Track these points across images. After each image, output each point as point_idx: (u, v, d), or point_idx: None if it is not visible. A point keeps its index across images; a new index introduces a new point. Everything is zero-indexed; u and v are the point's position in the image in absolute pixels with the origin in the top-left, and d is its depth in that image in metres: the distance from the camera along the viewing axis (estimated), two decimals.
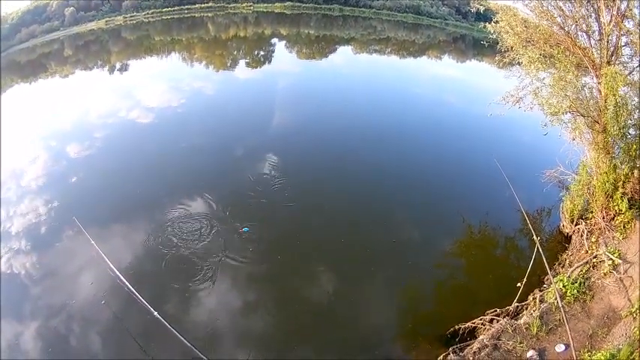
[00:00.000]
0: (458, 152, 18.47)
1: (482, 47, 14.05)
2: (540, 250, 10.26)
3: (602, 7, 12.27)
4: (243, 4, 71.10)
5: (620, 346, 8.19)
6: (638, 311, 9.08)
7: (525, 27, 13.21)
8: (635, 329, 8.54)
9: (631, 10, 12.09)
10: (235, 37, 50.04)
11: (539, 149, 17.98)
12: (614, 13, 12.06)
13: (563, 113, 12.10)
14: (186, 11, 64.05)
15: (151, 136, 19.78)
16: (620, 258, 10.88)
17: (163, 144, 18.43)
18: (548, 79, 12.73)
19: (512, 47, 13.44)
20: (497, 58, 14.32)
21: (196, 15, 64.03)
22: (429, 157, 18.01)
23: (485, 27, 13.88)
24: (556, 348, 8.89)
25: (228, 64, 35.73)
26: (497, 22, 13.69)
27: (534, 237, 10.62)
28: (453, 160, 17.72)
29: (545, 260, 10.12)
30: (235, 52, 41.48)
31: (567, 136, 12.97)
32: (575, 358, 8.42)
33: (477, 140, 19.81)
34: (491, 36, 13.75)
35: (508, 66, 13.90)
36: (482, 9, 14.48)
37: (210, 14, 64.97)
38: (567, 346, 8.81)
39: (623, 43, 12.85)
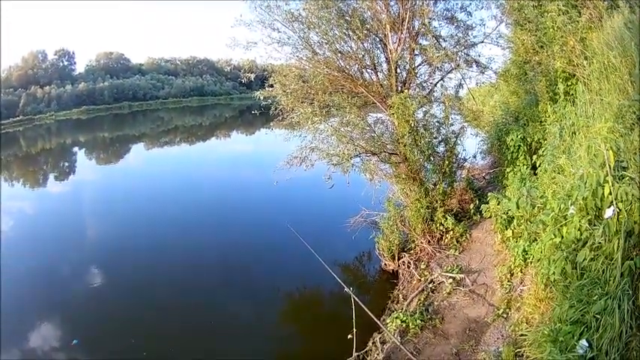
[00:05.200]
0: (261, 229, 17.61)
1: (269, 114, 13.52)
2: (356, 299, 9.49)
3: (388, 33, 11.95)
4: (47, 115, 78.70)
5: (500, 349, 7.41)
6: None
7: (303, 82, 12.54)
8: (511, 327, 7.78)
9: (427, 25, 11.78)
10: (43, 150, 50.38)
11: (337, 202, 18.16)
12: (403, 36, 11.78)
13: (348, 160, 11.57)
14: (2, 128, 66.22)
15: None
16: (461, 272, 10.69)
17: None
18: (328, 131, 12.30)
19: (292, 108, 12.59)
20: (272, 124, 13.63)
21: (10, 130, 66.64)
22: (233, 239, 16.66)
23: (257, 97, 12.96)
24: None
25: (41, 181, 34.17)
26: (272, 85, 12.75)
27: (346, 289, 9.85)
28: (258, 237, 16.75)
29: (363, 306, 9.35)
30: (44, 167, 41.02)
31: (365, 178, 12.59)
32: None
33: (276, 211, 19.15)
34: (264, 103, 12.89)
35: (295, 127, 13.05)
36: (252, 77, 13.38)
37: (21, 128, 68.94)
38: None
39: (418, 63, 12.84)
